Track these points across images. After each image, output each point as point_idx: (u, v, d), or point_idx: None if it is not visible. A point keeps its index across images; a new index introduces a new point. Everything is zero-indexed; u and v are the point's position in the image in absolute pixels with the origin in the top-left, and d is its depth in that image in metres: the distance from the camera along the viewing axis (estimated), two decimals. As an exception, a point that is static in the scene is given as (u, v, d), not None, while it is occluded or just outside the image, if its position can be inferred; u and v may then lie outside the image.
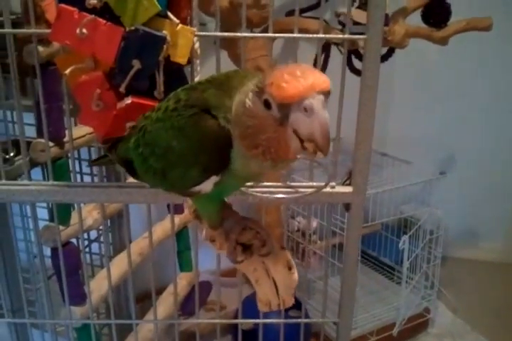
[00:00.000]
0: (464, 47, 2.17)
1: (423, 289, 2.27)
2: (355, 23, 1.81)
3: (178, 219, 1.60)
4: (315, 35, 0.98)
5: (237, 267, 0.77)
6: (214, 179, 0.69)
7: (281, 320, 1.14)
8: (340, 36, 0.98)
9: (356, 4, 1.96)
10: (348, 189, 1.02)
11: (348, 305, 1.09)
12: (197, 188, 0.71)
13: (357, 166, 1.00)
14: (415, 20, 1.95)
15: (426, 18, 1.98)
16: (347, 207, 1.03)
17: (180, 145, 0.68)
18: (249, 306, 1.25)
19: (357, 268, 1.07)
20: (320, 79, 0.59)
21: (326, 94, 0.59)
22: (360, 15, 1.83)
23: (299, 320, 1.16)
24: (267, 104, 0.60)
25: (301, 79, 0.58)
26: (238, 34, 0.98)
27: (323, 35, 0.97)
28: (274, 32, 1.02)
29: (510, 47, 2.54)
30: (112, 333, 1.19)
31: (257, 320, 1.15)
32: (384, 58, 1.99)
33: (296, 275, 0.75)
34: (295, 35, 0.98)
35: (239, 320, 1.19)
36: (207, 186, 0.70)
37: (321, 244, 2.17)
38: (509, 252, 2.83)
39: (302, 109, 0.58)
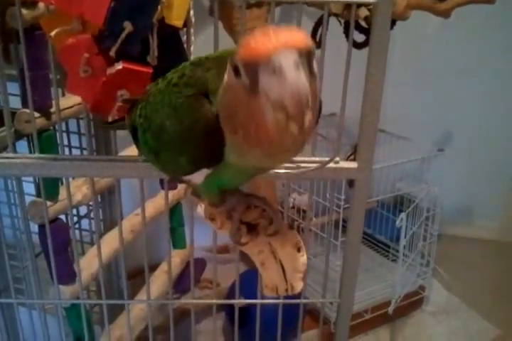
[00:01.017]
0: (464, 23, 2.10)
1: (419, 267, 2.25)
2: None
3: (171, 194, 1.54)
4: (321, -1, 0.91)
5: (241, 249, 0.70)
6: (205, 172, 0.63)
7: (280, 301, 1.09)
8: (350, 0, 0.91)
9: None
10: (353, 164, 0.97)
11: (349, 285, 1.05)
12: (186, 178, 0.65)
13: (362, 141, 0.95)
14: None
15: (429, -11, 1.91)
16: (351, 183, 0.98)
17: (172, 127, 0.61)
18: (244, 283, 1.21)
19: (359, 248, 1.03)
20: (295, 36, 0.50)
21: (304, 53, 0.49)
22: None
23: (298, 301, 1.11)
24: (236, 71, 0.51)
25: (272, 36, 0.49)
26: (238, -4, 0.91)
27: (329, -1, 0.91)
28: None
29: (510, 23, 2.47)
30: (103, 312, 1.14)
31: (255, 301, 1.10)
32: (385, 30, 1.93)
33: (305, 258, 0.69)
34: (299, -2, 0.91)
35: (235, 300, 1.15)
36: (197, 178, 0.64)
37: (316, 221, 2.13)
38: (505, 230, 2.82)
39: (271, 70, 0.48)
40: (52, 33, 0.80)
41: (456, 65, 2.51)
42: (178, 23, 0.82)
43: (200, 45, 0.98)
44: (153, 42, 0.82)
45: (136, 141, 0.75)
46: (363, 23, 1.84)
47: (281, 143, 0.53)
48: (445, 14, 1.91)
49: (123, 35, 0.79)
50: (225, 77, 0.54)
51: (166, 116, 0.62)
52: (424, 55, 2.50)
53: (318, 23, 1.91)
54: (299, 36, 0.50)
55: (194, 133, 0.59)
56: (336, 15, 1.90)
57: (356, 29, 1.91)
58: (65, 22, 0.81)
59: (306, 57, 0.50)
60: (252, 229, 0.68)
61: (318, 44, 1.97)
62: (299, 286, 0.70)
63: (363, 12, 1.73)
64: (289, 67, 0.48)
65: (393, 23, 1.98)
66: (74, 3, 0.79)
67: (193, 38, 0.96)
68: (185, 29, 0.90)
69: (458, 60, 2.50)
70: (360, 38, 1.83)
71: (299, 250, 0.69)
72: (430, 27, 2.42)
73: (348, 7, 1.67)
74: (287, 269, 0.69)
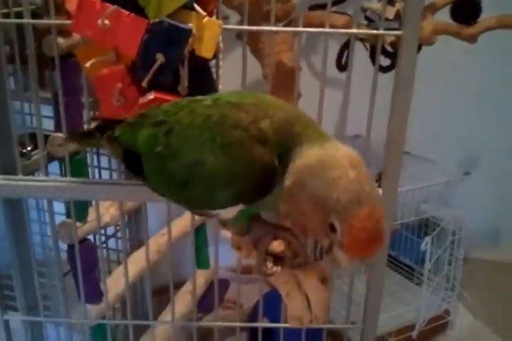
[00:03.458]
0: (491, 45, 2.09)
1: (443, 290, 2.22)
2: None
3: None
4: (347, 30, 0.93)
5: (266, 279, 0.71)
6: (240, 207, 0.64)
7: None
8: (375, 31, 0.92)
9: (383, -1, 1.90)
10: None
11: (373, 310, 1.05)
12: (215, 212, 0.66)
13: (388, 168, 0.96)
14: (444, 16, 1.89)
15: (455, 14, 1.92)
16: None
17: (218, 162, 0.62)
18: (267, 304, 1.21)
19: (384, 275, 1.03)
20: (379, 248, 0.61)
21: None
22: (387, 10, 1.78)
23: (322, 326, 1.11)
24: (333, 229, 0.60)
25: (371, 245, 0.60)
26: (266, 28, 0.94)
27: (356, 31, 0.92)
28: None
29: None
30: (128, 333, 1.16)
31: (278, 325, 1.11)
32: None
33: (329, 289, 0.70)
34: (326, 29, 0.93)
35: (260, 324, 1.15)
36: (229, 212, 0.65)
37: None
38: (533, 254, 2.77)
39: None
40: (88, 64, 0.84)
41: (483, 86, 2.50)
42: (208, 54, 0.85)
43: (226, 68, 1.00)
44: (184, 73, 0.85)
45: (132, 165, 0.75)
46: (389, 48, 1.86)
47: None
48: (471, 39, 1.91)
49: (155, 67, 0.82)
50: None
51: (209, 151, 0.63)
52: (450, 75, 2.49)
53: (344, 47, 1.93)
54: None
55: (251, 171, 0.61)
56: (362, 39, 1.93)
57: (382, 53, 1.93)
58: (99, 53, 0.85)
59: None
60: (277, 260, 0.69)
61: (344, 67, 1.99)
62: (323, 318, 0.71)
63: (389, 37, 1.75)
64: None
65: (419, 48, 1.99)
66: (109, 36, 0.82)
67: (221, 63, 0.99)
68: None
69: (485, 80, 2.48)
70: (385, 61, 1.85)
71: (324, 281, 0.69)
72: (457, 47, 2.41)
73: (374, 32, 1.70)
74: (312, 301, 0.69)
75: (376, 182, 0.98)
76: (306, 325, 0.72)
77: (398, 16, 1.73)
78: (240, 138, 0.62)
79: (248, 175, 0.61)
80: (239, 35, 1.78)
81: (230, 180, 0.62)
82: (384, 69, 1.89)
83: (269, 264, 0.68)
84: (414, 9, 0.88)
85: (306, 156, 0.61)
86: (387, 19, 1.72)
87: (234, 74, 1.00)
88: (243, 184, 0.62)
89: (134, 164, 0.74)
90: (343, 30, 0.92)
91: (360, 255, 0.60)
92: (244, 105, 0.66)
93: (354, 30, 0.93)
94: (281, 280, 0.69)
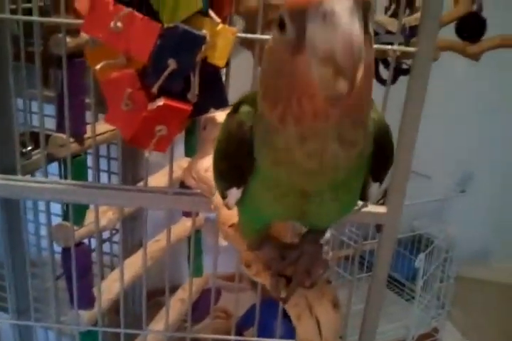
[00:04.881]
0: (490, 62, 2.10)
1: (434, 308, 2.21)
2: (387, 32, 1.76)
3: (190, 222, 1.54)
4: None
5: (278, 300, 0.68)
6: (235, 193, 0.59)
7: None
8: (389, 47, 0.92)
9: (390, 12, 1.90)
10: (382, 209, 0.96)
11: (371, 326, 1.04)
12: (226, 199, 0.63)
13: (394, 185, 0.94)
14: (448, 33, 1.89)
15: (460, 31, 1.92)
16: (378, 228, 0.97)
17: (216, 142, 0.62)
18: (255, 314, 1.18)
19: (384, 292, 1.02)
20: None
21: (361, 3, 0.41)
22: (393, 24, 1.78)
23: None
24: (282, 24, 0.45)
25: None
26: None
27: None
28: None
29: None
30: (116, 339, 1.14)
31: (274, 340, 1.08)
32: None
33: (341, 315, 0.67)
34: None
35: (252, 339, 1.13)
36: (230, 199, 0.61)
37: (333, 255, 2.11)
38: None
39: (321, 17, 0.41)
40: (98, 67, 0.81)
41: (482, 102, 2.49)
42: (220, 62, 0.84)
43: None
44: (195, 80, 0.83)
45: None
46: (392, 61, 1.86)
47: (326, 116, 0.45)
48: (475, 57, 1.92)
49: (166, 73, 0.80)
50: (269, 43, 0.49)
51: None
52: (450, 91, 2.49)
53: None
54: None
55: (222, 145, 0.60)
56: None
57: (385, 67, 1.92)
58: (109, 56, 0.83)
59: (363, 9, 0.42)
60: (289, 281, 0.66)
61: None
62: (334, 344, 0.68)
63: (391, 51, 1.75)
64: (341, 13, 0.40)
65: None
66: (121, 38, 0.80)
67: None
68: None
69: (484, 97, 2.48)
70: (386, 74, 1.85)
71: (335, 306, 0.66)
72: (457, 63, 2.42)
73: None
74: (323, 325, 0.66)
75: (381, 199, 0.97)
76: None
77: (403, 30, 1.72)
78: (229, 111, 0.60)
79: (221, 148, 0.59)
80: (243, 41, 1.77)
81: (215, 158, 0.61)
82: (385, 82, 1.89)
83: (282, 286, 0.65)
84: (432, 26, 0.88)
85: None
86: (390, 32, 1.72)
87: (237, 80, 0.99)
88: (218, 159, 0.60)
89: None
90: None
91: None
92: None
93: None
94: (291, 302, 0.66)
